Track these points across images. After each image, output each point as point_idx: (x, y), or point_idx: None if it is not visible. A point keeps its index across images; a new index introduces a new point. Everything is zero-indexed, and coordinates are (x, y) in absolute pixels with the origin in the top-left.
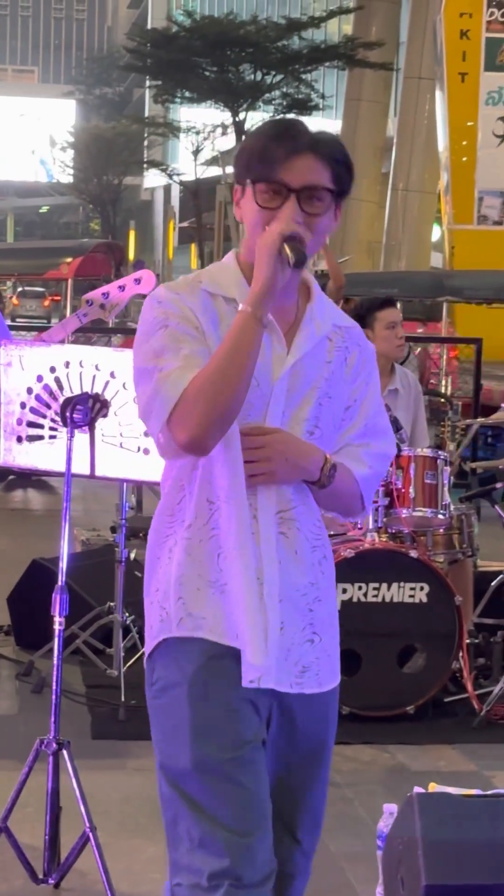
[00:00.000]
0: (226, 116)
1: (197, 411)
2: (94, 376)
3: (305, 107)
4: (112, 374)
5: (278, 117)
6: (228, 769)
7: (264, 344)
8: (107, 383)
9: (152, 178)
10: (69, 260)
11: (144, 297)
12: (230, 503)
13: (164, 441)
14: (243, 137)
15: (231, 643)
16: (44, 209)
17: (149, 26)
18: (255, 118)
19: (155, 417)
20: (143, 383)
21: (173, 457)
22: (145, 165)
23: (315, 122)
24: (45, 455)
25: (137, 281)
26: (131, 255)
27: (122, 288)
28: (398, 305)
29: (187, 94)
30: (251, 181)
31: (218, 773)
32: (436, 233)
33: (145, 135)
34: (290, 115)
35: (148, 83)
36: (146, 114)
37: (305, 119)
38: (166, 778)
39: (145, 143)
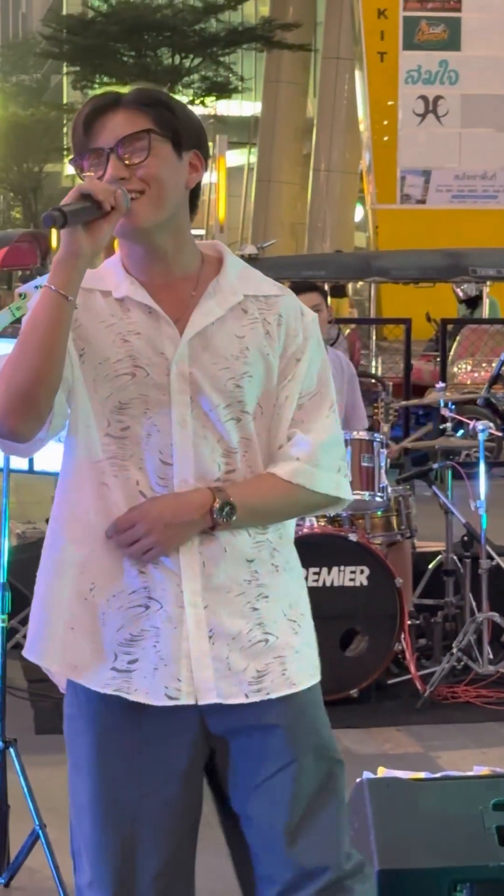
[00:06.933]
0: None
1: (0, 392)
2: None
3: (225, 90)
4: None
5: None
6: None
7: (150, 330)
8: None
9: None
10: None
11: None
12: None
13: None
14: None
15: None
16: None
17: (64, 12)
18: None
19: None
20: None
21: (5, 449)
22: (65, 152)
23: (234, 105)
24: None
25: None
26: (54, 244)
27: None
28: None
29: (105, 79)
30: (75, 164)
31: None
32: (359, 213)
33: (64, 121)
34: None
35: (65, 69)
36: (65, 100)
37: (225, 102)
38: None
39: (65, 129)
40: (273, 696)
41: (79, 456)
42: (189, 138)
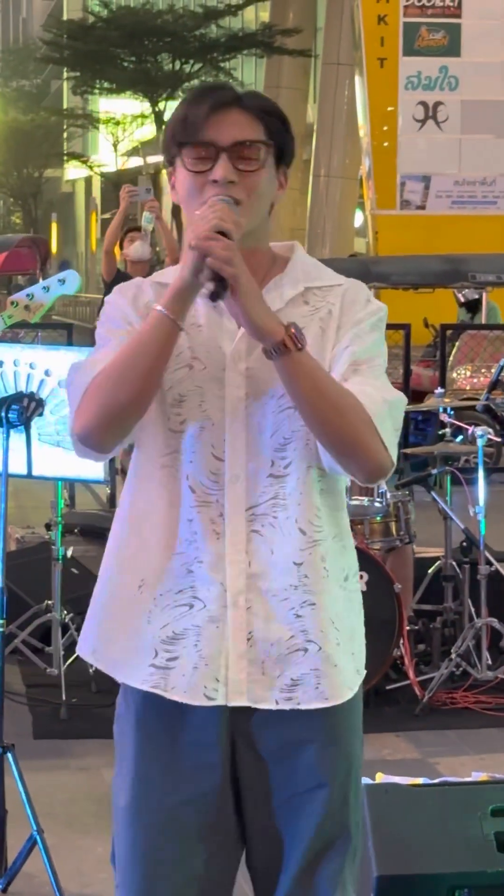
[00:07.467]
0: (145, 106)
1: (93, 404)
2: (28, 375)
3: None
4: (47, 373)
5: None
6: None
7: (212, 323)
8: (42, 382)
9: (73, 170)
10: None
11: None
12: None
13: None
14: (163, 127)
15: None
16: None
17: (64, 17)
18: (174, 107)
19: (70, 407)
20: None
21: (82, 454)
22: (65, 157)
23: None
24: None
25: (62, 282)
26: (54, 248)
27: (46, 289)
28: None
29: (106, 84)
30: (178, 147)
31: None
32: (359, 218)
33: (64, 126)
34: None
35: (66, 75)
36: (65, 105)
37: None
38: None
39: (65, 134)
40: (303, 707)
41: (143, 453)
42: (288, 155)
